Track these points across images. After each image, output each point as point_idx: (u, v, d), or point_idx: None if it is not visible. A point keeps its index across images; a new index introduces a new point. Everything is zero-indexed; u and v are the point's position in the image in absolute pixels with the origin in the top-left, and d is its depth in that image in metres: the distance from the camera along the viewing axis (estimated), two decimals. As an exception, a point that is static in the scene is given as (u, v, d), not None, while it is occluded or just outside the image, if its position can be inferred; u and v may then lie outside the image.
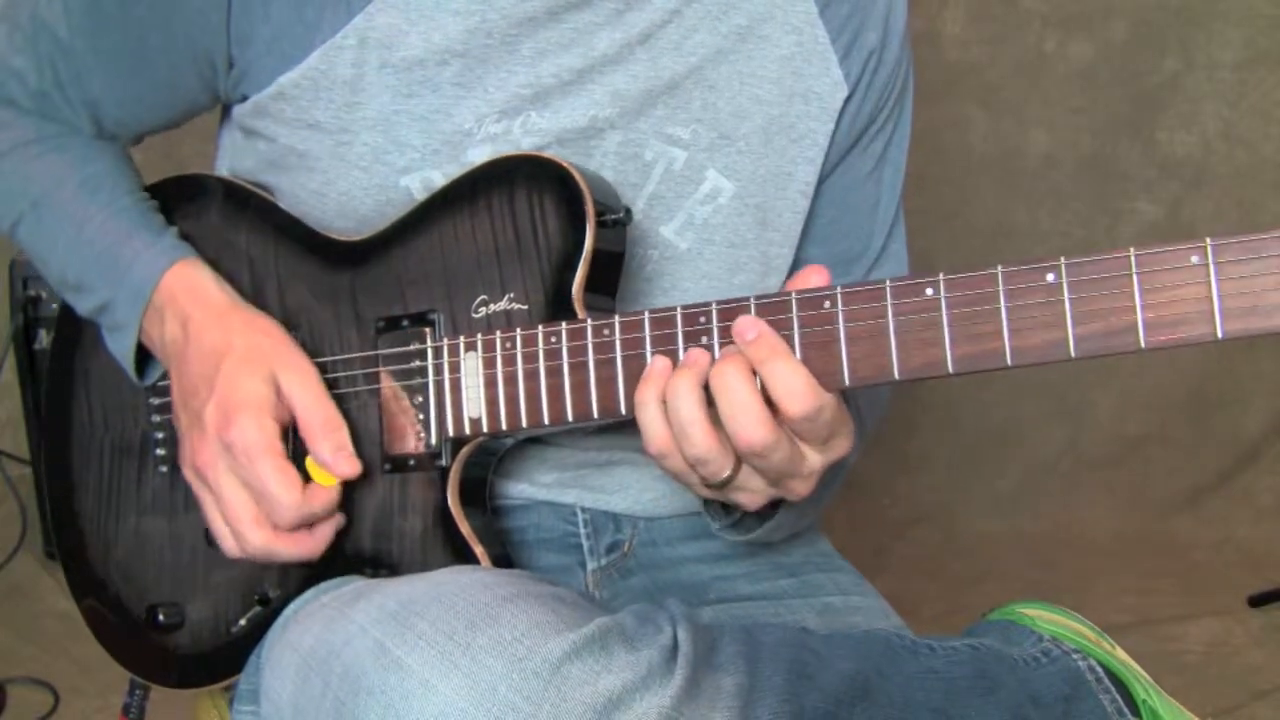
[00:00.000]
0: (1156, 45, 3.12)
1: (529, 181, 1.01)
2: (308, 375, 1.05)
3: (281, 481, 1.01)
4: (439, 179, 1.05)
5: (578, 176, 0.99)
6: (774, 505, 1.01)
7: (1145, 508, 3.07)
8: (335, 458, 1.03)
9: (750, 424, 0.88)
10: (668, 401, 0.91)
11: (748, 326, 0.90)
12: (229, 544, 1.05)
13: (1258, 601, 2.59)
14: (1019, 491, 3.15)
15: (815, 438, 0.91)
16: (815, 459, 0.92)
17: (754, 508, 0.97)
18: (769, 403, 0.89)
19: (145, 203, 1.15)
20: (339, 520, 1.05)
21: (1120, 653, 1.04)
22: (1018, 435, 3.19)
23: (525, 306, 1.01)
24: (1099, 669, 1.00)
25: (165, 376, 1.13)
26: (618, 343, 0.95)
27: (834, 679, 0.89)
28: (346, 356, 1.07)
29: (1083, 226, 3.18)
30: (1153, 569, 2.81)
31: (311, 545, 1.04)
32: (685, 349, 0.93)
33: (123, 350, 1.12)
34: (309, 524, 1.03)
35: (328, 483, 1.03)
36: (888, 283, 0.87)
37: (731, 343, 0.91)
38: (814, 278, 0.92)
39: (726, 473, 0.91)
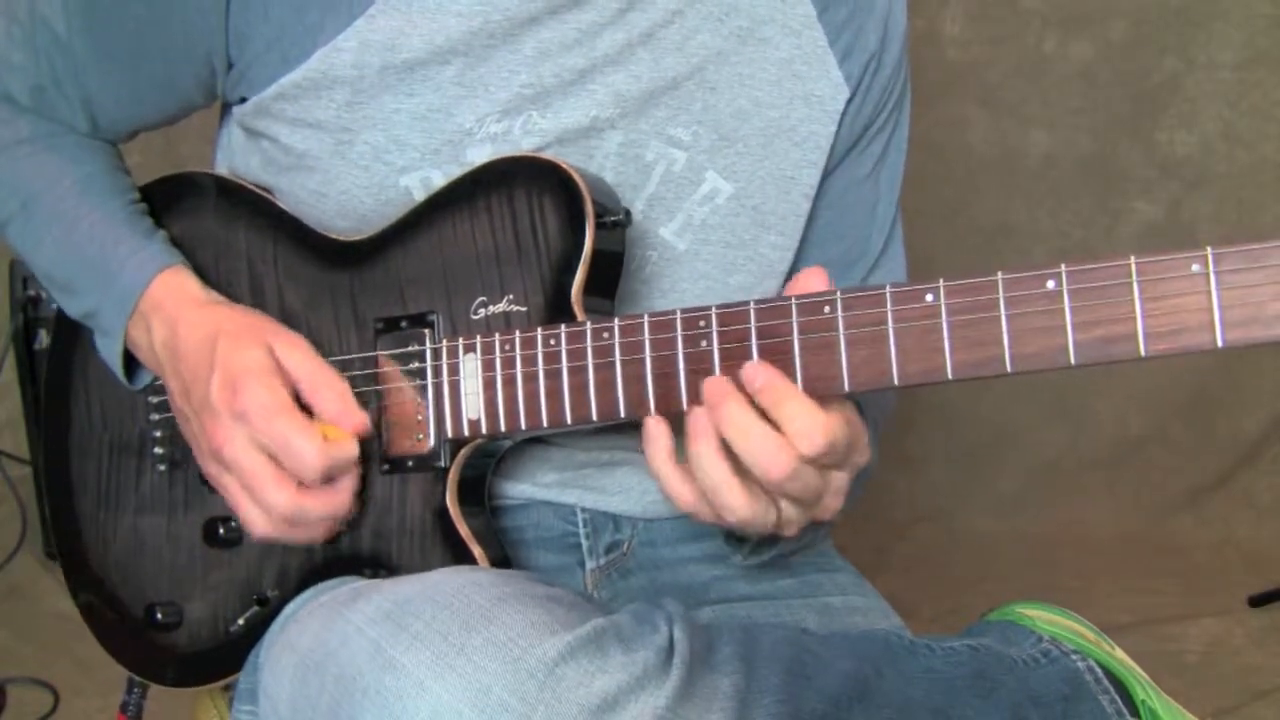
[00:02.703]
0: (1156, 45, 3.12)
1: (529, 183, 1.01)
2: (300, 344, 1.04)
3: (302, 432, 1.00)
4: (439, 179, 1.05)
5: (577, 178, 0.99)
6: None
7: (1145, 508, 3.07)
8: (344, 413, 1.02)
9: (772, 453, 0.88)
10: (697, 472, 0.90)
11: (755, 375, 0.89)
12: (256, 519, 1.02)
13: (1258, 601, 2.59)
14: (1019, 492, 3.15)
15: (836, 463, 0.91)
16: (841, 476, 0.93)
17: (793, 535, 0.96)
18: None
19: (134, 206, 1.15)
20: (358, 474, 1.04)
21: (1120, 653, 1.04)
22: (1018, 436, 3.19)
23: (524, 308, 1.01)
24: (1098, 670, 1.00)
25: (157, 379, 1.13)
26: (617, 346, 0.95)
27: (832, 679, 0.89)
28: (345, 357, 1.07)
29: (1082, 226, 3.18)
30: (1153, 569, 2.81)
31: (338, 500, 1.02)
32: (684, 352, 0.93)
33: (111, 355, 1.12)
34: (327, 479, 1.02)
35: (342, 438, 1.02)
36: (888, 288, 0.87)
37: (731, 346, 0.91)
38: (813, 281, 0.92)
39: (773, 518, 0.91)
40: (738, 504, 0.90)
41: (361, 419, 1.03)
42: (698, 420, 0.90)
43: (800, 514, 0.93)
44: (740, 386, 0.90)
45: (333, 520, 1.03)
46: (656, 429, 0.92)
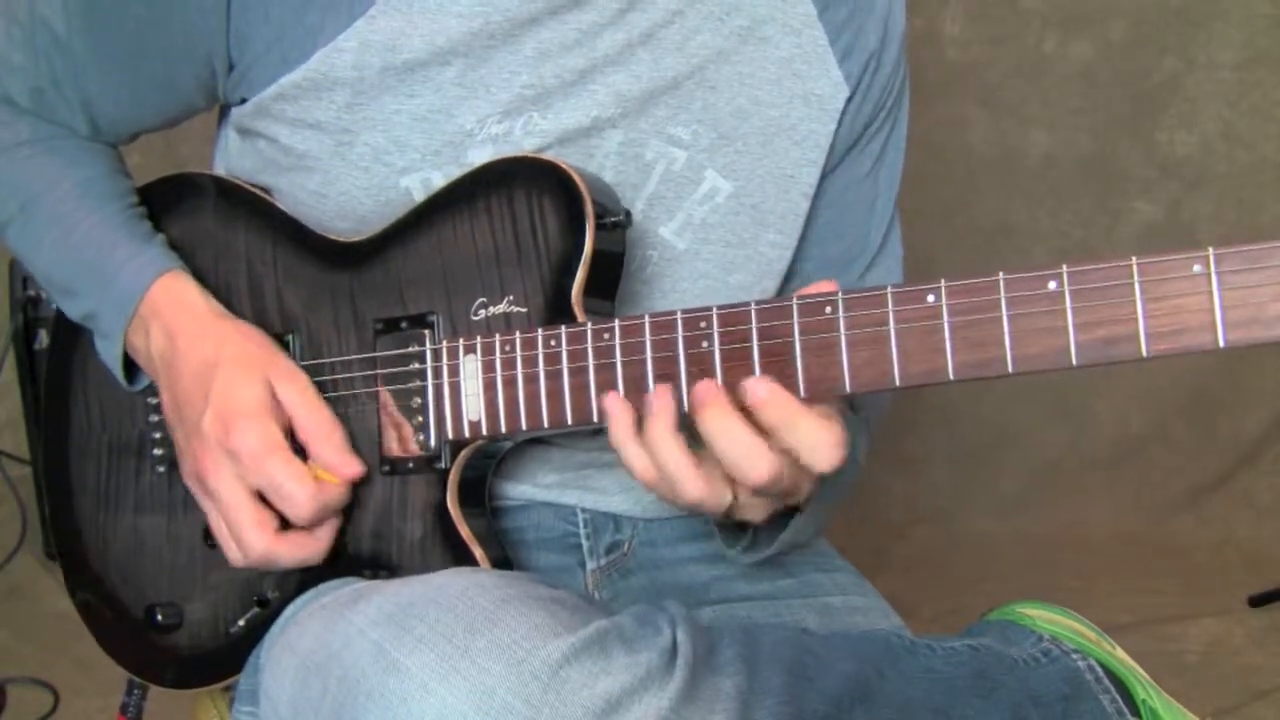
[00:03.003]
0: (1156, 45, 3.12)
1: (528, 183, 1.01)
2: (301, 381, 1.05)
3: (294, 475, 1.01)
4: (439, 180, 1.05)
5: (577, 179, 0.99)
6: (784, 516, 1.01)
7: (1146, 508, 3.07)
8: (339, 459, 1.03)
9: (758, 464, 0.88)
10: (651, 451, 0.90)
11: (757, 386, 0.88)
12: (231, 550, 1.05)
13: (1258, 601, 2.59)
14: (1020, 492, 3.15)
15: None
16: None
17: (762, 519, 0.97)
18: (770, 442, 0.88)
19: (133, 210, 1.15)
20: (337, 523, 1.05)
21: (1120, 653, 1.04)
22: (1018, 436, 3.19)
23: (524, 309, 1.01)
24: (1099, 669, 1.00)
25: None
26: (617, 347, 0.95)
27: (833, 680, 0.89)
28: (345, 359, 1.07)
29: (1082, 226, 3.18)
30: (1153, 569, 2.81)
31: (313, 547, 1.04)
32: (685, 353, 0.93)
33: (111, 357, 1.12)
34: (316, 523, 1.03)
35: (332, 482, 1.03)
36: (889, 289, 0.87)
37: (732, 347, 0.91)
38: (826, 290, 0.91)
39: (728, 500, 0.92)
40: (691, 487, 0.90)
41: (356, 468, 1.03)
42: (658, 399, 0.91)
43: (767, 503, 0.94)
44: (726, 391, 0.89)
45: (305, 564, 1.04)
46: (618, 406, 0.92)
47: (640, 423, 0.92)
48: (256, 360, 1.05)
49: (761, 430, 0.89)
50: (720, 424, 0.89)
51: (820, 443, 0.88)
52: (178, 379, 1.06)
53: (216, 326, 1.07)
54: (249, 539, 1.02)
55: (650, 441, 0.91)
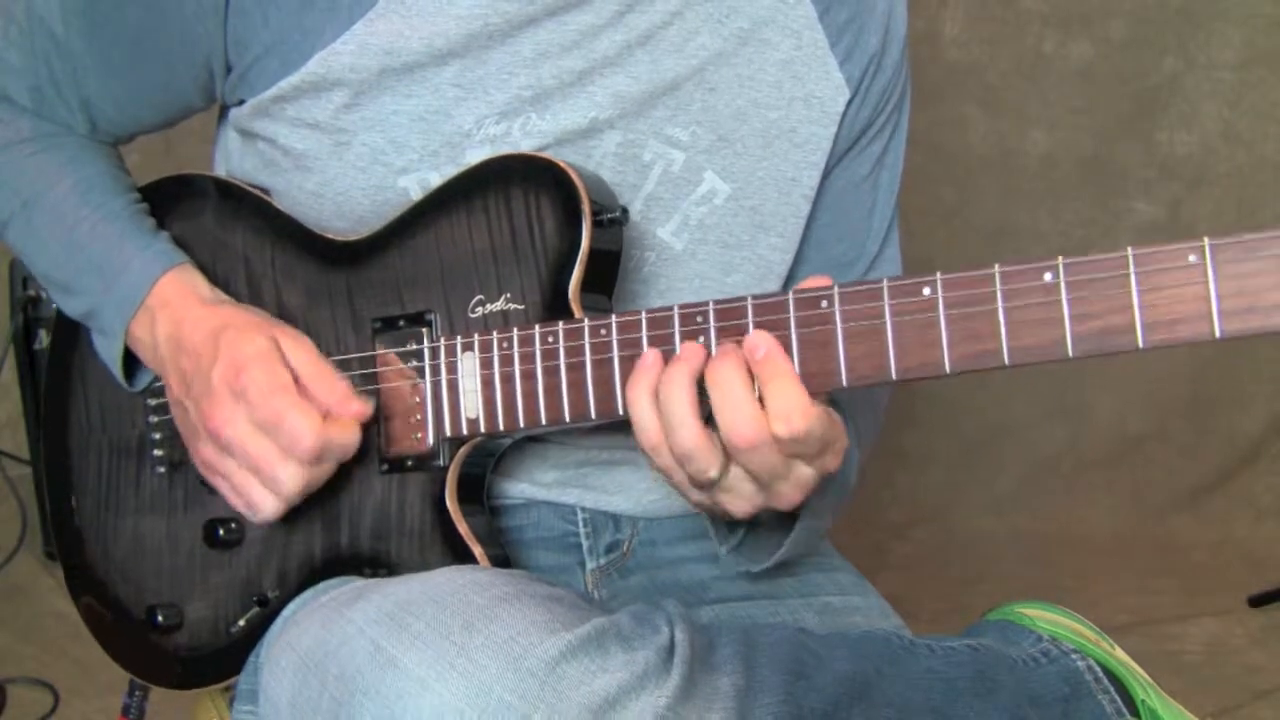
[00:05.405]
0: (1156, 45, 3.12)
1: (525, 181, 1.01)
2: (304, 341, 1.05)
3: (300, 409, 1.00)
4: (437, 180, 1.05)
5: (574, 176, 0.99)
6: (780, 528, 1.01)
7: (1145, 507, 3.07)
8: (344, 401, 1.02)
9: (744, 420, 0.88)
10: (660, 394, 0.91)
11: (759, 344, 0.89)
12: (264, 501, 1.02)
13: (1258, 601, 2.59)
14: (1019, 491, 3.15)
15: (804, 455, 0.91)
16: (806, 470, 0.92)
17: (744, 515, 0.96)
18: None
19: (136, 205, 1.15)
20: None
21: (1120, 653, 1.04)
22: (1017, 434, 3.19)
23: (522, 306, 1.01)
24: (1098, 669, 1.00)
25: (156, 381, 1.13)
26: (614, 342, 0.95)
27: (832, 679, 0.89)
28: (344, 357, 1.07)
29: (1082, 226, 3.18)
30: (1153, 569, 2.82)
31: (329, 468, 1.03)
32: (683, 348, 0.92)
33: (110, 356, 1.12)
34: (319, 461, 1.02)
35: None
36: (885, 282, 0.87)
37: (729, 342, 0.91)
38: (821, 284, 0.91)
39: (714, 472, 0.91)
40: (688, 436, 0.90)
41: (361, 406, 1.03)
42: (687, 351, 0.91)
43: (753, 491, 0.93)
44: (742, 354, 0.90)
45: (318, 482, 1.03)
46: (652, 359, 0.92)
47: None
48: (259, 323, 1.05)
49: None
50: (727, 374, 0.89)
51: (791, 405, 0.87)
52: (185, 353, 1.05)
53: (221, 309, 1.08)
54: (280, 473, 1.01)
55: (665, 384, 0.90)
